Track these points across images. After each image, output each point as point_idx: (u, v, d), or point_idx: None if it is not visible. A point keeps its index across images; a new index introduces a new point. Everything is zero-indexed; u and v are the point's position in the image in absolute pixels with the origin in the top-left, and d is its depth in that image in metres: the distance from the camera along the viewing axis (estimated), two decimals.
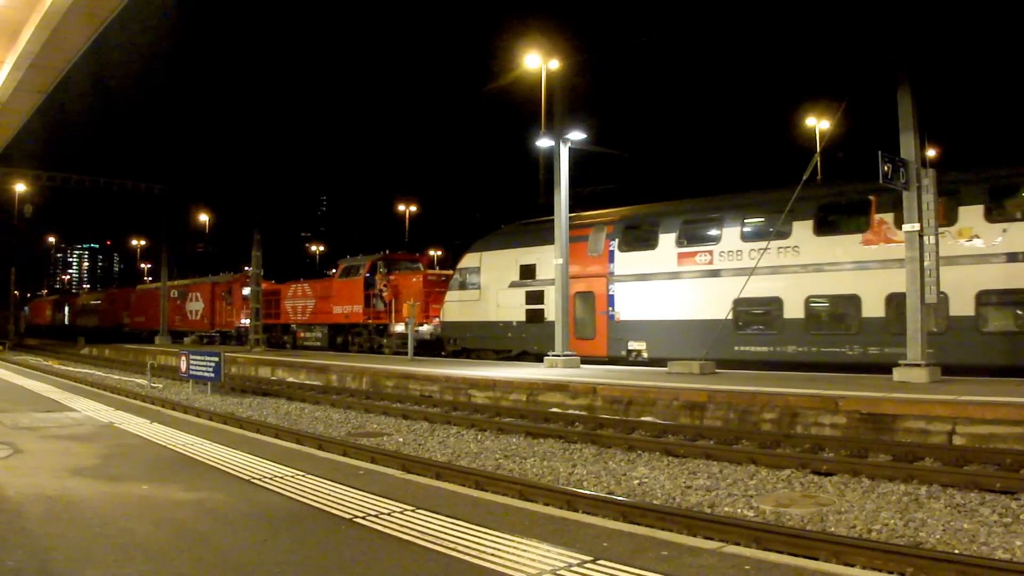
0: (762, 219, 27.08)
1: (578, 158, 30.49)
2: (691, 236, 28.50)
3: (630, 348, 29.37)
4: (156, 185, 56.05)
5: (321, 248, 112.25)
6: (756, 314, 26.21)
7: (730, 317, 25.70)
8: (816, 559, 7.74)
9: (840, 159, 42.83)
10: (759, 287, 25.20)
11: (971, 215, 22.16)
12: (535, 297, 32.73)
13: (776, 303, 25.58)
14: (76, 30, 17.46)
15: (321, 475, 9.72)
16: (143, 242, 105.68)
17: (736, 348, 26.14)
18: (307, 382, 30.40)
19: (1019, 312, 21.80)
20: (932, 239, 20.15)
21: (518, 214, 38.49)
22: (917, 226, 20.28)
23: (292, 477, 9.60)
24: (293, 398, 25.91)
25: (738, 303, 25.59)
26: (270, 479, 9.46)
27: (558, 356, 27.79)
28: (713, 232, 27.91)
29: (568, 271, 28.73)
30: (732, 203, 28.52)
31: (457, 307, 36.13)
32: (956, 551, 8.72)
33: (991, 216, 21.95)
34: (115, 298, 77.92)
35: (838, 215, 25.24)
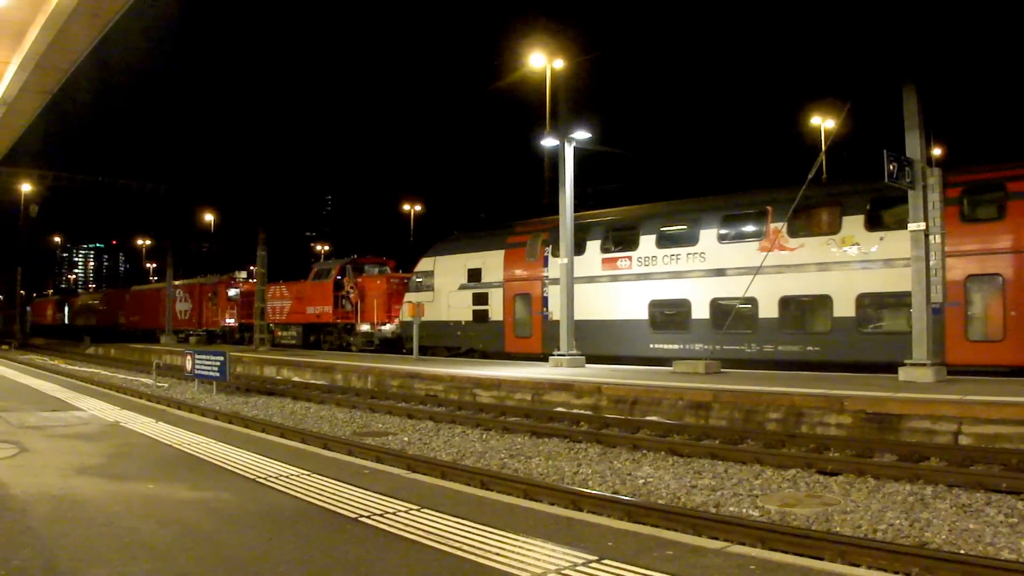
0: (674, 227, 29.55)
1: (583, 157, 30.51)
2: (614, 243, 31.03)
3: None
4: (161, 185, 56.16)
5: (326, 247, 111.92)
6: (669, 315, 28.78)
7: (646, 317, 29.20)
8: (822, 559, 7.74)
9: (845, 157, 42.73)
10: (671, 290, 28.63)
11: (854, 224, 24.38)
12: (481, 299, 35.26)
13: (685, 305, 28.11)
14: (81, 30, 17.46)
15: (326, 474, 9.72)
16: (148, 241, 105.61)
17: (652, 346, 28.88)
18: (312, 381, 30.44)
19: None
20: (937, 238, 20.12)
21: (523, 213, 38.73)
22: (923, 225, 20.26)
23: (298, 476, 9.61)
24: (298, 397, 25.95)
25: (653, 304, 29.16)
26: (276, 478, 9.47)
27: (563, 356, 27.87)
28: (632, 239, 30.25)
29: (572, 271, 28.82)
30: (649, 212, 31.18)
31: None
32: (962, 551, 8.72)
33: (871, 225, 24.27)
34: (111, 298, 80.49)
35: (739, 224, 27.51)
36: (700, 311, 27.68)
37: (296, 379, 31.61)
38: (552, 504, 10.11)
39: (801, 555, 7.45)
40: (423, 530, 7.09)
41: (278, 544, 6.77)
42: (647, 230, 29.88)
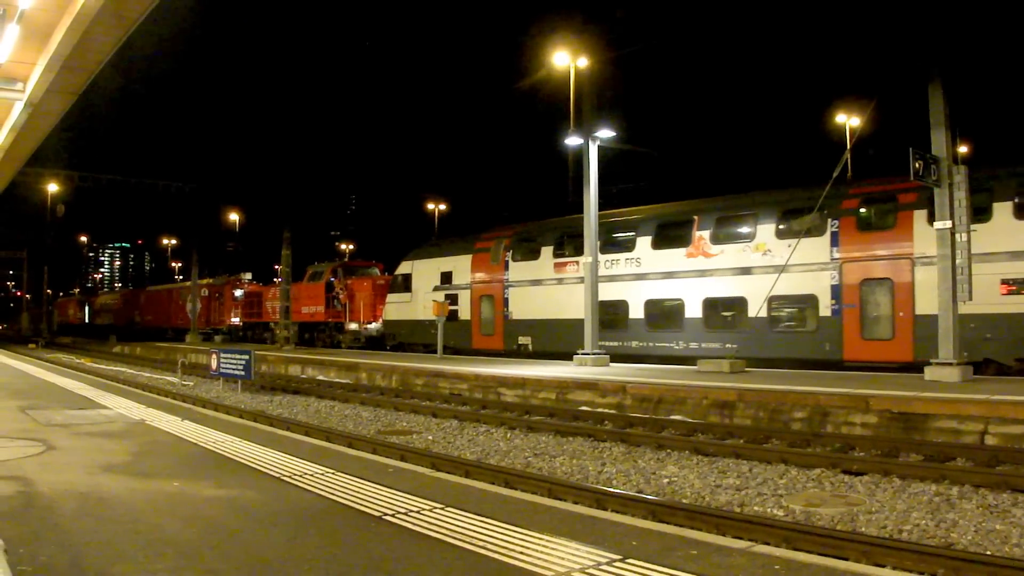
0: (613, 235, 31.93)
1: (608, 155, 30.55)
2: (563, 248, 33.58)
3: (520, 343, 34.59)
4: (186, 184, 56.60)
5: (351, 247, 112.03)
6: (610, 314, 30.65)
7: None
8: (846, 559, 7.70)
9: (871, 155, 42.48)
10: (610, 292, 30.59)
11: (766, 232, 26.88)
12: (452, 299, 37.90)
13: (623, 305, 30.54)
14: (106, 32, 17.50)
15: (351, 473, 9.74)
16: (173, 241, 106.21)
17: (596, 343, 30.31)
18: (336, 380, 30.53)
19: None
20: (964, 236, 19.98)
21: (547, 212, 39.02)
22: (949, 223, 20.10)
23: (322, 474, 9.64)
24: (323, 396, 26.06)
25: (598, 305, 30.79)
26: (300, 476, 9.50)
27: (587, 355, 27.86)
28: (579, 245, 31.34)
29: (597, 270, 28.98)
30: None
31: (395, 308, 42.01)
32: (988, 552, 8.66)
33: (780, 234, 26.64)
34: (127, 298, 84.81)
35: (669, 232, 30.03)
36: (636, 311, 30.41)
37: (321, 377, 31.75)
38: (576, 503, 10.11)
39: (826, 555, 7.41)
40: (447, 529, 7.10)
41: (302, 542, 6.79)
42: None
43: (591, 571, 5.95)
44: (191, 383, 31.09)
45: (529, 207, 54.83)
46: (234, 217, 78.34)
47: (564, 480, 12.68)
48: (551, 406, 21.30)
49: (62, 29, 17.61)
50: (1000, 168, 22.85)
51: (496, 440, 17.16)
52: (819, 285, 25.16)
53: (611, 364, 27.70)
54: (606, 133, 29.16)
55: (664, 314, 29.75)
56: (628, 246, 31.08)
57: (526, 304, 34.28)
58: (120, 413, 15.88)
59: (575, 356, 28.35)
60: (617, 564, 6.09)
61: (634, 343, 30.30)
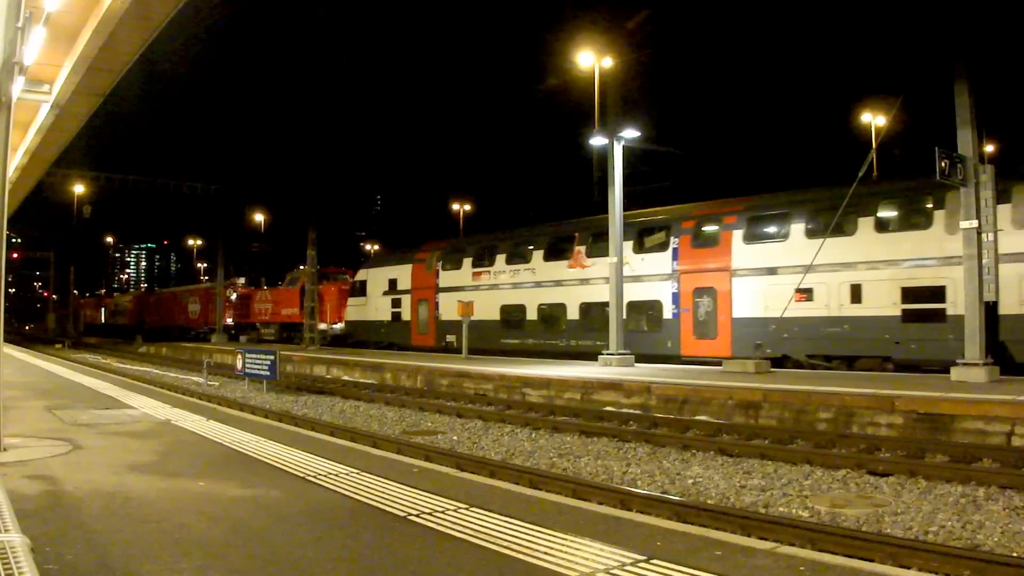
0: (516, 247, 37.72)
1: (632, 155, 30.51)
2: (480, 259, 39.21)
3: (447, 340, 39.85)
4: (212, 185, 56.96)
5: (376, 247, 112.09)
6: (513, 316, 36.76)
7: (498, 318, 37.19)
8: (872, 561, 7.68)
9: (897, 155, 42.18)
10: (514, 297, 36.70)
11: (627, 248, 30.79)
12: (396, 303, 44.25)
13: (523, 309, 36.30)
14: (132, 33, 17.57)
15: (375, 473, 9.76)
16: (199, 242, 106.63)
17: (502, 341, 36.71)
18: (362, 380, 30.61)
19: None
20: (990, 236, 19.81)
21: (571, 212, 39.59)
22: (975, 223, 19.94)
23: (346, 475, 9.66)
24: (348, 396, 26.14)
25: (503, 309, 37.20)
26: (325, 476, 9.52)
27: (612, 355, 27.78)
28: (492, 257, 38.55)
29: (621, 270, 28.92)
30: (503, 236, 39.95)
31: (354, 310, 48.12)
32: (1015, 554, 8.61)
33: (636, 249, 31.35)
34: (138, 301, 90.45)
35: (557, 246, 35.39)
36: (532, 314, 35.90)
37: (345, 378, 31.83)
38: (601, 504, 10.10)
39: (851, 556, 7.39)
40: (472, 529, 7.10)
41: (327, 542, 6.81)
42: (501, 250, 38.26)
43: (616, 571, 5.94)
44: (216, 383, 31.24)
45: (554, 207, 55.13)
46: (259, 218, 78.65)
47: (589, 480, 12.69)
48: (576, 406, 21.30)
49: (88, 31, 17.70)
50: (800, 193, 27.96)
51: (521, 440, 17.19)
52: (663, 293, 29.97)
53: (636, 365, 27.64)
54: (631, 133, 29.08)
55: (552, 316, 34.94)
56: (525, 258, 36.61)
57: (452, 307, 38.26)
58: (146, 413, 15.96)
59: (600, 356, 28.39)
60: (642, 564, 6.08)
61: (530, 340, 35.68)
